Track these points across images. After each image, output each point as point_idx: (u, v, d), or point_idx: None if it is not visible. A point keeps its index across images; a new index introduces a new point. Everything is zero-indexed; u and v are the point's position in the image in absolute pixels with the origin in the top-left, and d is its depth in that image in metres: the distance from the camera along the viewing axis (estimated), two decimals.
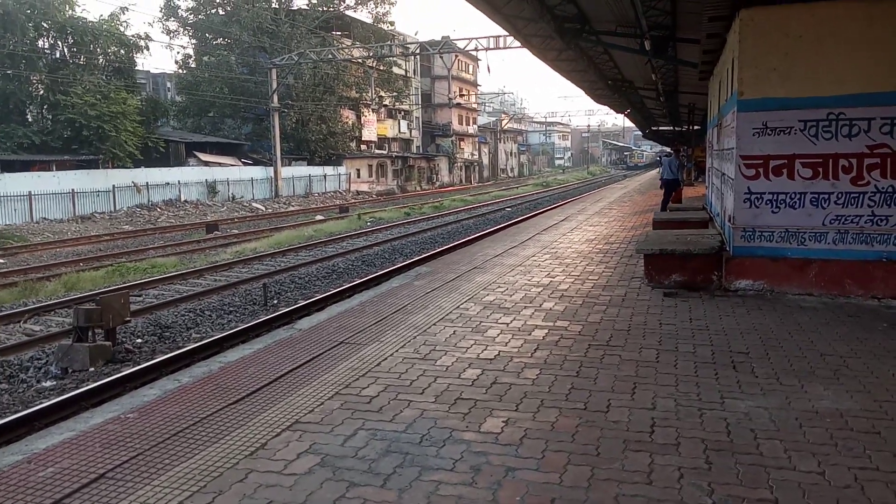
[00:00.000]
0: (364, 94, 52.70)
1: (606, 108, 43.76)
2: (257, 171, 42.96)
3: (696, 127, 28.02)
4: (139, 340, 9.74)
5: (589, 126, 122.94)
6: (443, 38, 42.94)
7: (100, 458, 3.68)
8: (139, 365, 8.26)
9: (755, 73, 7.18)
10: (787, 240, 7.24)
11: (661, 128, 45.61)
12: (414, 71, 65.59)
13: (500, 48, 33.95)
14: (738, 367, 4.97)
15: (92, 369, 8.38)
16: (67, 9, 36.10)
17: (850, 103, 6.88)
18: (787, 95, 7.06)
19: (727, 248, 7.80)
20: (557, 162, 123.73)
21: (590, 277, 8.63)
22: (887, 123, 6.78)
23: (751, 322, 6.25)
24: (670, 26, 12.49)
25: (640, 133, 71.16)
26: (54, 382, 8.11)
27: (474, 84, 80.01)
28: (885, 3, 6.66)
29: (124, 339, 9.52)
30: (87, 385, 7.55)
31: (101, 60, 37.88)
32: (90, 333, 8.67)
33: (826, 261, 7.12)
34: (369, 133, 56.76)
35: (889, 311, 6.61)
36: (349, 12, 52.73)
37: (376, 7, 53.54)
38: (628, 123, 62.77)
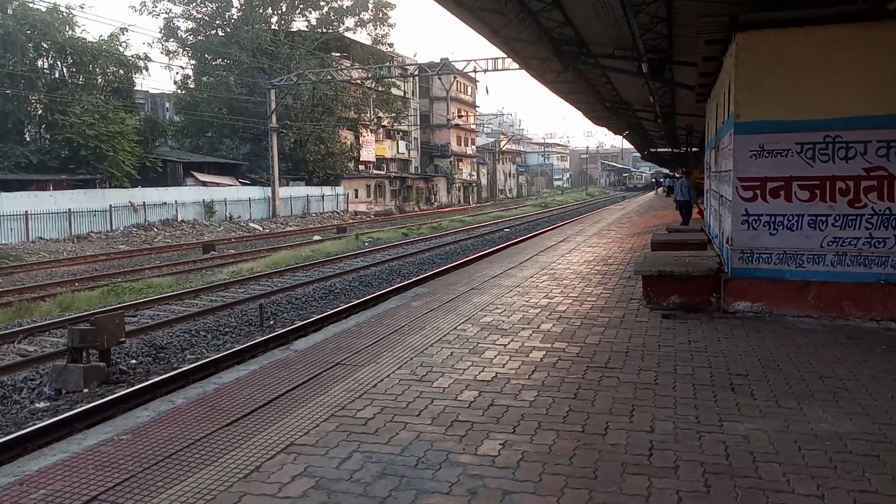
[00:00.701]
0: (363, 115, 53.02)
1: (605, 129, 44.06)
2: (255, 191, 43.07)
3: (694, 149, 28.14)
4: (134, 361, 9.67)
5: (587, 147, 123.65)
6: (441, 59, 43.32)
7: (92, 480, 3.63)
8: (133, 386, 8.20)
9: (752, 96, 7.23)
10: (786, 262, 7.24)
11: (659, 149, 45.85)
12: (412, 92, 66.06)
13: (498, 70, 34.23)
14: (736, 390, 4.94)
15: (86, 390, 8.31)
16: (67, 29, 36.36)
17: (847, 126, 6.92)
18: (783, 118, 7.10)
19: (725, 270, 7.80)
20: (556, 183, 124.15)
21: (588, 299, 8.61)
22: (883, 146, 6.82)
23: (749, 344, 6.23)
24: (667, 49, 12.61)
25: (638, 155, 71.48)
26: (48, 403, 8.04)
27: (473, 105, 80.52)
28: (879, 27, 6.73)
29: (119, 360, 9.46)
30: (81, 406, 7.48)
31: (99, 80, 38.08)
32: (84, 354, 8.61)
33: (824, 283, 7.12)
34: (367, 153, 57.00)
35: (888, 333, 6.59)
36: (348, 34, 53.26)
37: (375, 29, 54.18)
38: (627, 145, 63.23)
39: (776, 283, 7.30)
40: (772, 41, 7.10)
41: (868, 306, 6.98)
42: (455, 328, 7.02)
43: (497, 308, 8.07)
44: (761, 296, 7.38)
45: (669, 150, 39.54)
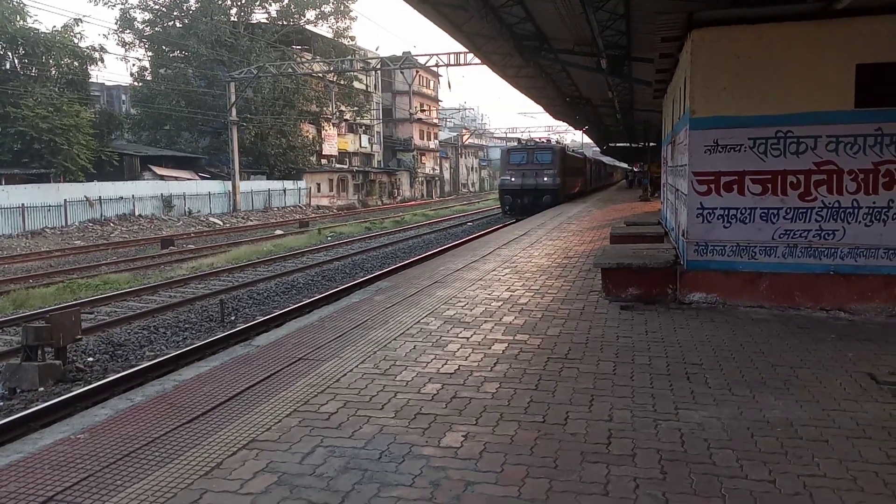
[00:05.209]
0: (325, 109, 52.57)
1: (565, 124, 44.32)
2: (215, 186, 42.39)
3: (651, 144, 28.58)
4: (91, 359, 9.49)
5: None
6: (404, 53, 43.20)
7: (49, 480, 3.57)
8: (90, 384, 8.06)
9: (706, 93, 7.38)
10: (739, 254, 7.43)
11: (618, 144, 46.44)
12: (375, 86, 65.70)
13: (460, 64, 34.25)
14: (691, 379, 5.06)
15: (41, 389, 8.14)
16: (18, 19, 35.25)
17: (798, 122, 7.11)
18: (737, 114, 7.26)
19: (681, 262, 7.96)
20: None
21: (549, 291, 8.71)
22: (833, 141, 7.03)
23: (704, 334, 6.39)
24: (626, 46, 12.79)
25: (598, 149, 72.04)
26: (1, 403, 7.85)
27: (435, 99, 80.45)
28: (828, 25, 6.93)
29: (75, 358, 9.27)
30: (36, 405, 7.33)
31: (53, 72, 37.05)
32: (40, 352, 8.43)
33: (776, 274, 7.32)
34: (330, 147, 56.54)
35: (837, 322, 6.81)
36: (309, 27, 52.70)
37: (337, 22, 53.68)
38: (587, 140, 63.41)
39: (730, 274, 7.48)
40: (726, 38, 7.25)
41: (818, 296, 7.20)
42: (418, 322, 7.05)
43: (460, 301, 8.12)
44: (715, 287, 7.55)
45: (628, 144, 40.06)
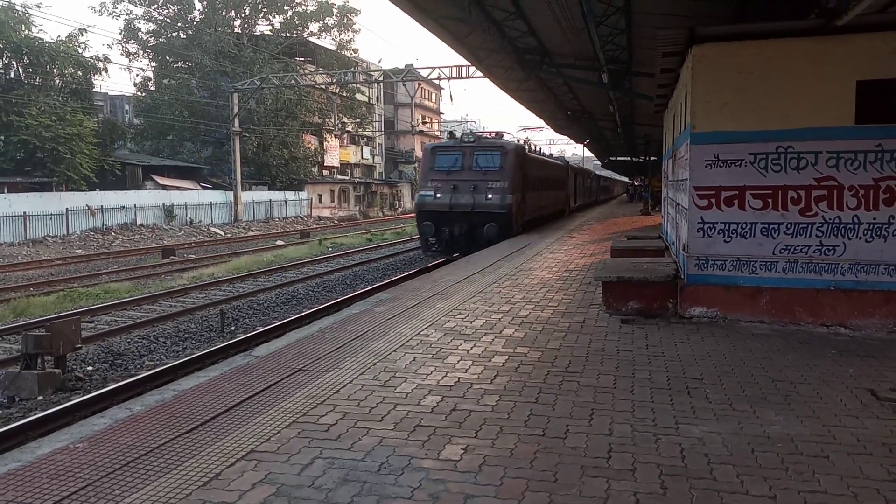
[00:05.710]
0: (327, 120, 52.77)
1: (567, 138, 44.42)
2: (217, 196, 42.49)
3: (652, 158, 28.66)
4: (90, 368, 9.47)
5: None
6: (406, 66, 43.40)
7: (47, 489, 3.56)
8: (90, 393, 8.03)
9: (707, 108, 7.41)
10: (739, 268, 7.43)
11: (619, 158, 46.57)
12: (377, 98, 65.99)
13: (462, 77, 34.35)
14: (692, 393, 5.05)
15: (40, 398, 8.11)
16: (23, 28, 35.51)
17: (798, 137, 7.14)
18: (737, 129, 7.29)
19: (682, 276, 7.96)
20: None
21: (549, 304, 8.71)
22: (833, 157, 7.05)
23: (705, 349, 6.38)
24: (627, 61, 12.86)
25: (599, 163, 72.20)
26: (0, 412, 7.83)
27: (437, 112, 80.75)
28: (829, 41, 6.96)
29: (75, 367, 9.25)
30: (35, 414, 7.30)
31: (57, 81, 37.27)
32: (39, 361, 8.41)
33: (776, 289, 7.32)
34: (332, 158, 56.75)
35: (838, 337, 6.80)
36: (313, 39, 53.04)
37: (340, 34, 54.03)
38: (588, 153, 63.44)
39: (730, 289, 7.48)
40: (727, 54, 7.29)
41: (818, 312, 7.19)
42: (418, 333, 7.04)
43: (460, 313, 8.11)
44: (716, 301, 7.55)
45: (629, 158, 40.13)
